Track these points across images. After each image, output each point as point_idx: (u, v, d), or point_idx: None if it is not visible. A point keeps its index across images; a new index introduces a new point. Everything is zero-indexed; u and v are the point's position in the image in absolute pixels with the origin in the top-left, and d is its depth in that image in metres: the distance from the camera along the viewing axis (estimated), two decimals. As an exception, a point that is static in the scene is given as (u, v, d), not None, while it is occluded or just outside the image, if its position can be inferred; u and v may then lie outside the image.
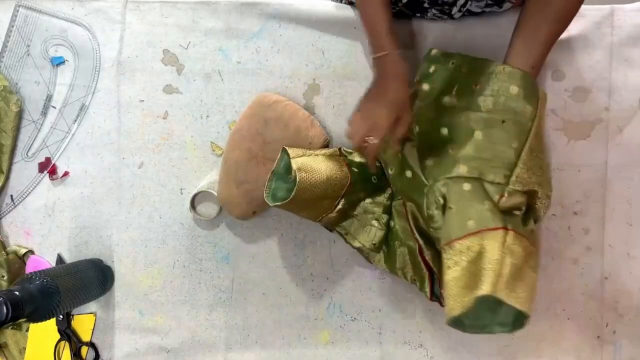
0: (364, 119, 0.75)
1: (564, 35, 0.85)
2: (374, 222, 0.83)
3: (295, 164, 0.76)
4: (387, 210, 0.83)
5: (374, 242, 0.82)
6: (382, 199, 0.84)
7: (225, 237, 0.88)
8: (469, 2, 0.78)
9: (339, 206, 0.80)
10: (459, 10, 0.80)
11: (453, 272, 0.68)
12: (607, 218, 0.86)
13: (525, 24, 0.73)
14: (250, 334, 0.88)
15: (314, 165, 0.76)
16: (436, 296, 0.81)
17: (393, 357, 0.88)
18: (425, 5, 0.80)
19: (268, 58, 0.88)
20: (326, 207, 0.80)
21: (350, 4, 0.89)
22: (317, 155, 0.80)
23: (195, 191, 0.87)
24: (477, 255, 0.67)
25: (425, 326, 0.88)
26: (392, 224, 0.84)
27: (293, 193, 0.74)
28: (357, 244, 0.83)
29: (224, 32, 0.88)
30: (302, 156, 0.79)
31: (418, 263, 0.80)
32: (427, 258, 0.78)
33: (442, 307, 0.80)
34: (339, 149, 0.84)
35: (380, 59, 0.73)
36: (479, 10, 0.81)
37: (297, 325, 0.88)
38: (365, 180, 0.82)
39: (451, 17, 0.83)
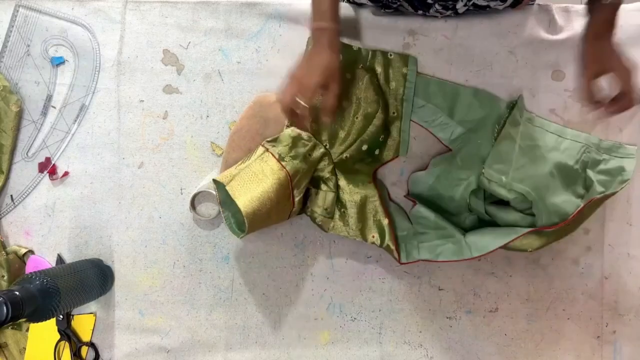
0: (294, 81, 0.74)
1: (564, 35, 0.86)
2: (323, 186, 0.84)
3: (240, 204, 0.75)
4: (333, 172, 0.84)
5: (325, 207, 0.83)
6: (324, 164, 0.84)
7: (225, 237, 0.88)
8: None
9: (297, 198, 0.81)
10: (465, 5, 0.79)
11: None
12: (607, 218, 0.86)
13: None
14: (250, 334, 0.88)
15: (252, 190, 0.77)
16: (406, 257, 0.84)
17: (393, 357, 0.88)
18: (429, 1, 0.80)
19: (268, 58, 0.88)
20: (287, 208, 0.81)
21: (352, 3, 0.89)
22: (248, 166, 0.80)
23: (195, 191, 0.87)
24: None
25: (425, 326, 0.88)
26: (340, 183, 0.85)
27: (246, 229, 0.76)
28: (310, 213, 0.85)
29: (224, 32, 0.88)
30: (233, 178, 0.79)
31: (373, 211, 0.83)
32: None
33: (416, 262, 0.83)
34: (263, 145, 0.83)
35: (318, 30, 0.75)
36: (485, 4, 0.81)
37: (297, 325, 0.88)
38: (303, 162, 0.81)
39: (455, 12, 0.82)
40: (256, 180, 0.78)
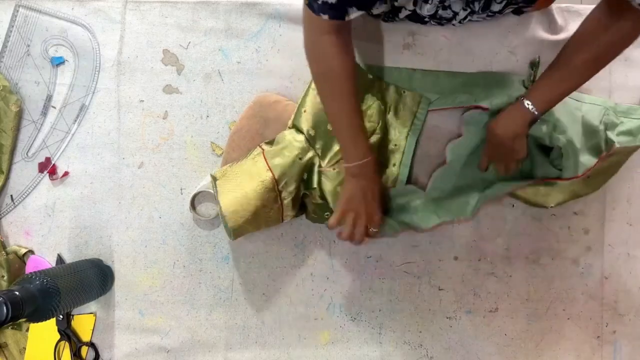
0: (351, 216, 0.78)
1: (564, 35, 0.86)
2: (316, 197, 0.83)
3: (222, 203, 0.78)
4: (319, 184, 0.82)
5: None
6: (313, 172, 0.83)
7: (225, 237, 0.88)
8: (469, 17, 0.78)
9: (285, 201, 0.80)
10: (460, 22, 0.80)
11: None
12: (607, 218, 0.86)
13: (558, 64, 0.74)
14: (250, 334, 0.88)
15: (235, 190, 0.79)
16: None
17: (393, 357, 0.88)
18: (426, 19, 0.80)
19: (268, 58, 0.88)
20: (276, 210, 0.81)
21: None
22: (239, 165, 0.81)
23: (195, 191, 0.87)
24: None
25: (425, 326, 0.88)
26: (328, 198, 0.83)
27: (232, 234, 0.79)
28: (311, 218, 0.86)
29: (224, 32, 0.88)
30: (224, 175, 0.81)
31: None
32: None
33: (438, 227, 0.85)
34: (260, 146, 0.83)
35: (359, 167, 0.76)
36: (479, 19, 0.81)
37: (297, 325, 0.88)
38: (292, 165, 0.80)
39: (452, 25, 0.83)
40: (242, 181, 0.79)
